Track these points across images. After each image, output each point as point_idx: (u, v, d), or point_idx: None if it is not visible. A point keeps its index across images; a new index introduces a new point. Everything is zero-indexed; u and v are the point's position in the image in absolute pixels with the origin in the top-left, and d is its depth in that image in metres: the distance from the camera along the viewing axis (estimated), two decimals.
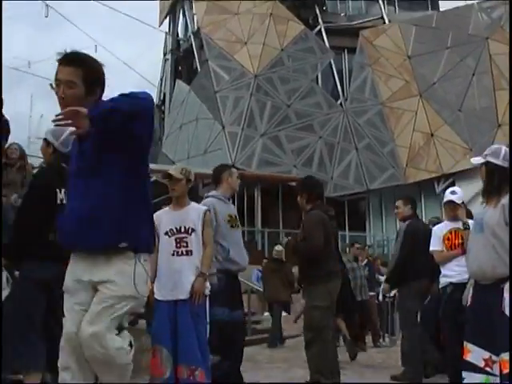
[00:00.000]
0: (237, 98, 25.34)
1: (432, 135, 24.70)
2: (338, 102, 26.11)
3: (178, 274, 5.29)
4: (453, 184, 24.53)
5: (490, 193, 4.54)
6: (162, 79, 32.18)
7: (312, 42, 26.05)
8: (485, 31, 25.42)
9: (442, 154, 24.55)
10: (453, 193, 6.47)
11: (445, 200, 6.46)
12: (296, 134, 23.99)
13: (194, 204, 5.62)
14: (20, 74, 30.52)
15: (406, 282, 7.02)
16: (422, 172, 24.66)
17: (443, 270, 6.28)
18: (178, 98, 28.12)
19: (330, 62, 26.43)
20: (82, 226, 3.01)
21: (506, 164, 4.51)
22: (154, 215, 5.64)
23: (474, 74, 25.11)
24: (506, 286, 4.21)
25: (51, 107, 3.14)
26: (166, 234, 5.39)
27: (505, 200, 4.34)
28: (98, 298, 3.02)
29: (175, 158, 26.76)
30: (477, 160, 4.71)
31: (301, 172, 23.79)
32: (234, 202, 6.57)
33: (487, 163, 4.55)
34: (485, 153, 4.64)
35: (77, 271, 3.08)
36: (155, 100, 32.92)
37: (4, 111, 4.97)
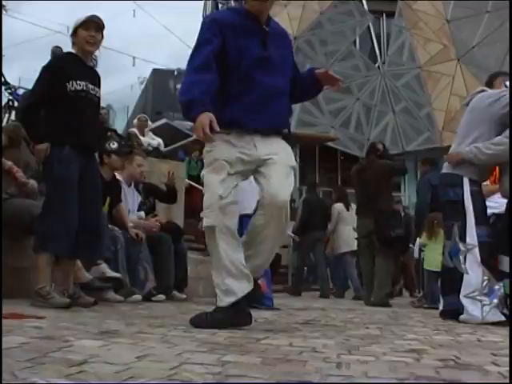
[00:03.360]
0: None
1: None
2: (376, 65, 26.18)
3: (241, 192, 5.76)
4: None
5: None
6: None
7: (351, 5, 26.05)
8: None
9: None
10: None
11: None
12: (334, 96, 24.15)
13: None
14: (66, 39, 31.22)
15: None
16: None
17: (488, 202, 6.68)
18: None
19: (369, 26, 26.48)
20: None
21: None
22: None
23: None
24: None
25: None
26: None
27: None
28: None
29: None
30: None
31: (338, 133, 24.14)
32: None
33: None
34: None
35: None
36: None
37: None
